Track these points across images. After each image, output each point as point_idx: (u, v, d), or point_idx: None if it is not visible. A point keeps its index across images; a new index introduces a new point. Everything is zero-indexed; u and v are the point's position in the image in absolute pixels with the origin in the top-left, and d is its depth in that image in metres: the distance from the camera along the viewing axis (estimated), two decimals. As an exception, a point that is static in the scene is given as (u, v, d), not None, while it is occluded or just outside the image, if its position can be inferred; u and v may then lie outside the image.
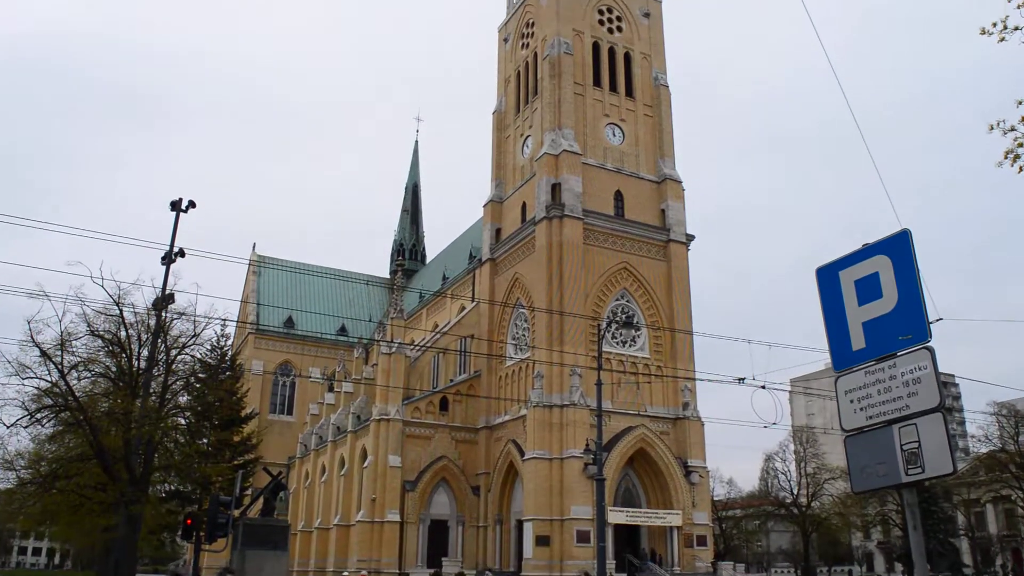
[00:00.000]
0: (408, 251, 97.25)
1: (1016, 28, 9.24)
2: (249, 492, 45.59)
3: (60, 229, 25.02)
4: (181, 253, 26.46)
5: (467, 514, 52.38)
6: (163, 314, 27.22)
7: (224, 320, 34.43)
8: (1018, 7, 9.20)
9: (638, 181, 55.12)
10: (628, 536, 47.68)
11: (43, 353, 25.24)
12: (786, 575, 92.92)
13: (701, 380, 50.39)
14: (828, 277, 7.17)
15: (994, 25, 9.36)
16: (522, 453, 47.74)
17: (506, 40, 63.56)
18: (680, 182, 55.91)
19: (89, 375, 28.77)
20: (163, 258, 26.41)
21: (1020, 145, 9.47)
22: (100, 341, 27.84)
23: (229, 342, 60.50)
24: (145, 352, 27.91)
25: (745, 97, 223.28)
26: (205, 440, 41.16)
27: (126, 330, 27.98)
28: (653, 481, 48.85)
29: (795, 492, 77.55)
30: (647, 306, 52.35)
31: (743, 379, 28.14)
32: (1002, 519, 74.99)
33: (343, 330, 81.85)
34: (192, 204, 27.54)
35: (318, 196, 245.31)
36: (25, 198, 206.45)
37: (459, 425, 54.27)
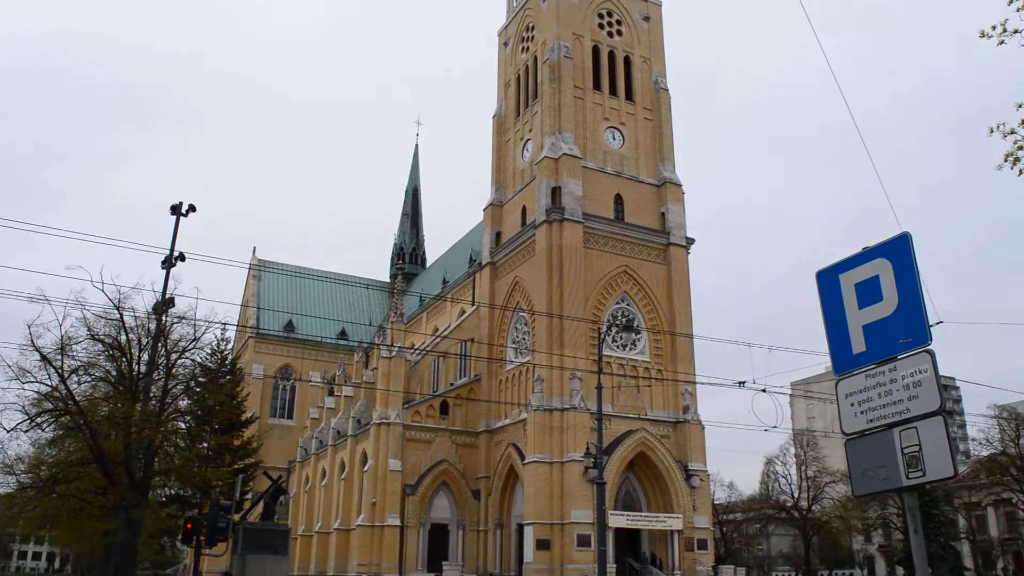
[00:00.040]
0: (408, 255, 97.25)
1: (1016, 31, 9.24)
2: (249, 496, 45.43)
3: (61, 233, 24.98)
4: (181, 257, 26.50)
5: (467, 518, 52.32)
6: (163, 318, 27.24)
7: (224, 324, 34.52)
8: (1017, 10, 9.21)
9: (638, 184, 55.14)
10: (629, 540, 47.61)
11: (43, 357, 25.25)
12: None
13: (701, 383, 50.33)
14: (828, 280, 7.17)
15: (993, 28, 9.37)
16: (522, 457, 47.70)
17: (506, 44, 63.63)
18: (680, 185, 55.94)
19: (89, 379, 28.82)
20: (163, 262, 26.45)
21: (1020, 148, 9.48)
22: (100, 345, 27.88)
23: (229, 346, 60.53)
24: (145, 356, 27.94)
25: (745, 97, 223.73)
26: (205, 444, 41.19)
27: (126, 334, 28.01)
28: (654, 485, 48.80)
29: (796, 495, 77.49)
30: (647, 309, 52.34)
31: (743, 382, 28.14)
32: (1003, 522, 74.92)
33: (343, 334, 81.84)
34: (192, 208, 27.59)
35: (318, 198, 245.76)
36: (25, 199, 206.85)
37: (459, 429, 54.23)
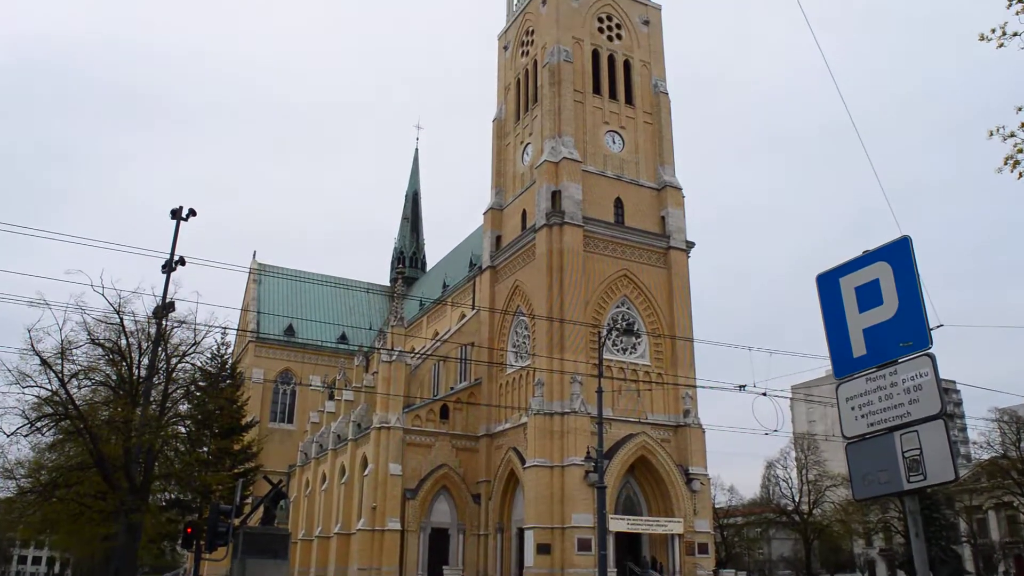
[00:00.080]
0: (408, 259, 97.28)
1: (1015, 34, 9.24)
2: (249, 501, 45.48)
3: (61, 238, 24.95)
4: (182, 261, 26.53)
5: (468, 522, 52.28)
6: (163, 322, 27.25)
7: (224, 328, 34.43)
8: (1017, 13, 9.21)
9: (638, 188, 55.17)
10: (629, 544, 47.57)
11: (43, 362, 25.27)
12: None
13: (702, 387, 50.42)
14: (828, 284, 7.18)
15: (992, 31, 9.37)
16: (523, 461, 47.66)
17: (506, 48, 63.71)
18: (680, 189, 55.96)
19: (89, 383, 28.81)
20: (164, 266, 26.47)
21: (1020, 151, 9.47)
22: (100, 349, 27.88)
23: (229, 350, 60.49)
24: (145, 360, 27.95)
25: (745, 98, 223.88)
26: (205, 448, 41.19)
27: (126, 338, 28.03)
28: (654, 489, 48.75)
29: (797, 499, 77.37)
30: (647, 313, 52.34)
31: (744, 386, 28.15)
32: (1004, 526, 74.84)
33: (343, 338, 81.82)
34: (192, 212, 27.62)
35: (318, 201, 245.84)
36: (25, 200, 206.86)
37: (460, 433, 54.20)
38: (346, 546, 54.52)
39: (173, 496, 40.05)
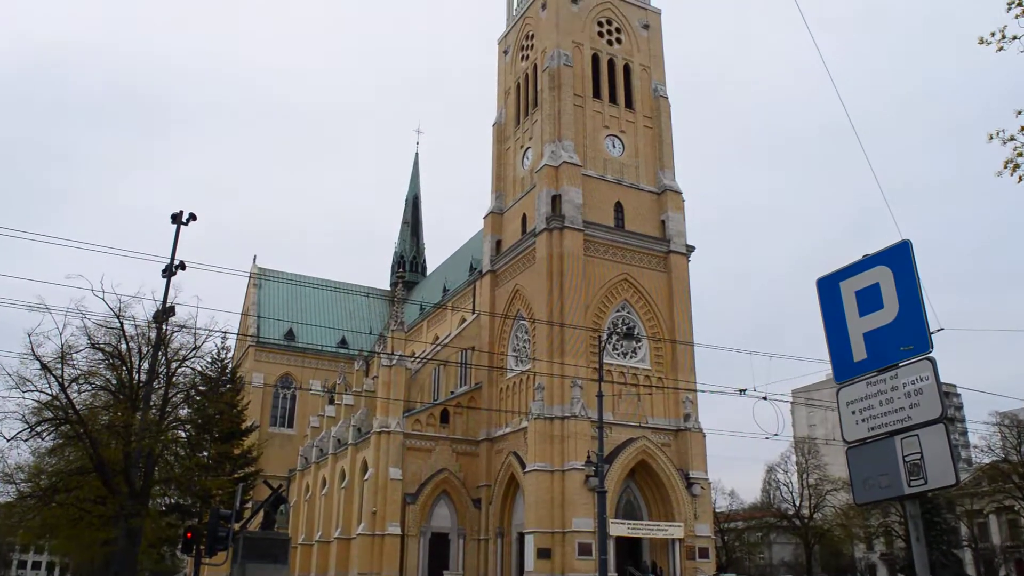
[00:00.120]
0: (408, 263, 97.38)
1: (1015, 37, 9.25)
2: (249, 505, 45.52)
3: (61, 242, 25.02)
4: (182, 266, 26.56)
5: (468, 527, 52.23)
6: (164, 327, 27.24)
7: (225, 333, 34.49)
8: (1016, 17, 9.21)
9: (638, 192, 55.20)
10: (630, 548, 47.52)
11: (43, 366, 25.24)
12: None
13: (702, 391, 50.44)
14: (829, 288, 7.19)
15: (992, 34, 9.37)
16: (523, 465, 47.63)
17: (506, 52, 63.80)
18: (680, 193, 55.99)
19: (89, 388, 28.78)
20: (164, 271, 26.49)
21: (1020, 155, 9.47)
22: (101, 354, 27.86)
23: (230, 355, 60.55)
24: (145, 365, 27.92)
25: (744, 99, 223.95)
26: (205, 453, 41.11)
27: (127, 343, 28.01)
28: (655, 493, 48.71)
29: (797, 503, 77.28)
30: (648, 317, 52.34)
31: (744, 390, 28.13)
32: (1005, 530, 74.72)
33: (344, 342, 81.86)
34: (193, 217, 27.65)
35: (318, 205, 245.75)
36: (25, 203, 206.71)
37: (460, 437, 54.17)
38: (346, 551, 54.46)
39: (173, 501, 39.98)
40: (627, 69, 58.70)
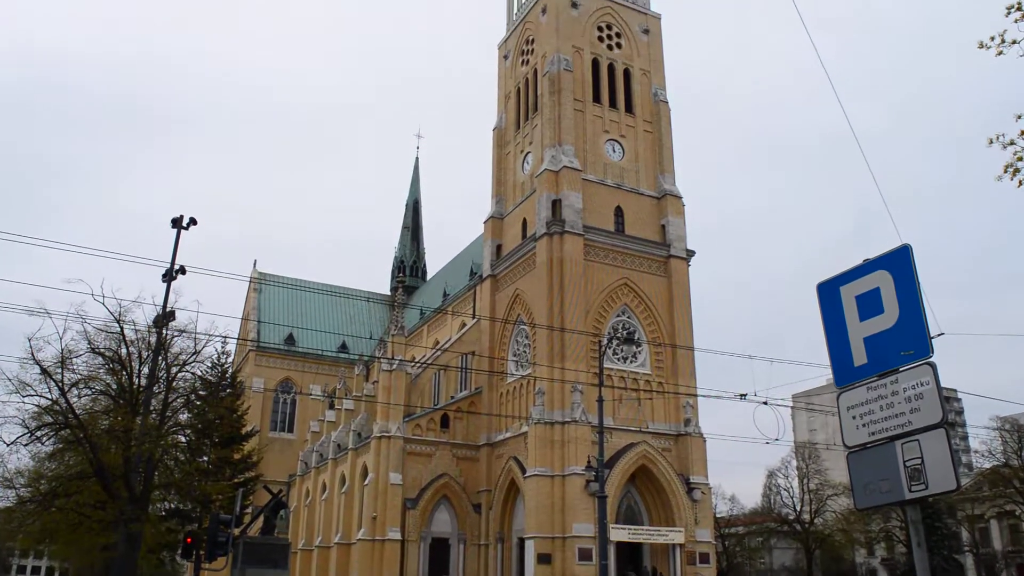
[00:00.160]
0: (409, 268, 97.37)
1: (1014, 42, 9.25)
2: (249, 510, 45.38)
3: (61, 247, 25.06)
4: (182, 270, 26.57)
5: (468, 532, 52.16)
6: (164, 331, 27.25)
7: (225, 337, 34.50)
8: (1015, 21, 9.22)
9: (638, 197, 55.22)
10: (630, 554, 47.43)
11: (44, 371, 25.24)
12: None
13: (703, 396, 50.38)
14: (829, 292, 7.18)
15: (992, 39, 9.37)
16: (523, 470, 47.58)
17: (506, 57, 63.88)
18: (680, 197, 56.01)
19: (89, 392, 28.82)
20: (164, 275, 26.51)
21: (1020, 159, 9.47)
22: (101, 359, 27.88)
23: (230, 359, 60.53)
24: (146, 369, 27.94)
25: (745, 104, 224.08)
26: (205, 458, 41.13)
27: (127, 347, 28.01)
28: (655, 498, 48.64)
29: (798, 509, 77.20)
30: (648, 322, 52.32)
31: (744, 395, 28.14)
32: (1007, 535, 74.63)
33: (344, 347, 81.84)
34: (193, 221, 27.68)
35: (318, 210, 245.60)
36: (25, 208, 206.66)
37: (460, 442, 54.11)
38: (346, 556, 54.37)
39: (173, 506, 39.99)
40: (627, 74, 58.77)
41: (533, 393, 48.78)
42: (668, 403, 50.58)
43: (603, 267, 51.72)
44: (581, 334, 47.10)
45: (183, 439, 34.05)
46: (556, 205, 51.48)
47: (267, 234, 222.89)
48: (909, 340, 6.43)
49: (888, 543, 78.27)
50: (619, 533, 45.12)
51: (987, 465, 68.71)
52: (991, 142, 9.54)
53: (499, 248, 57.86)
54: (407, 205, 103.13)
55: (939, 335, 7.17)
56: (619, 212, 54.03)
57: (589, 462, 39.50)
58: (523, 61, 61.14)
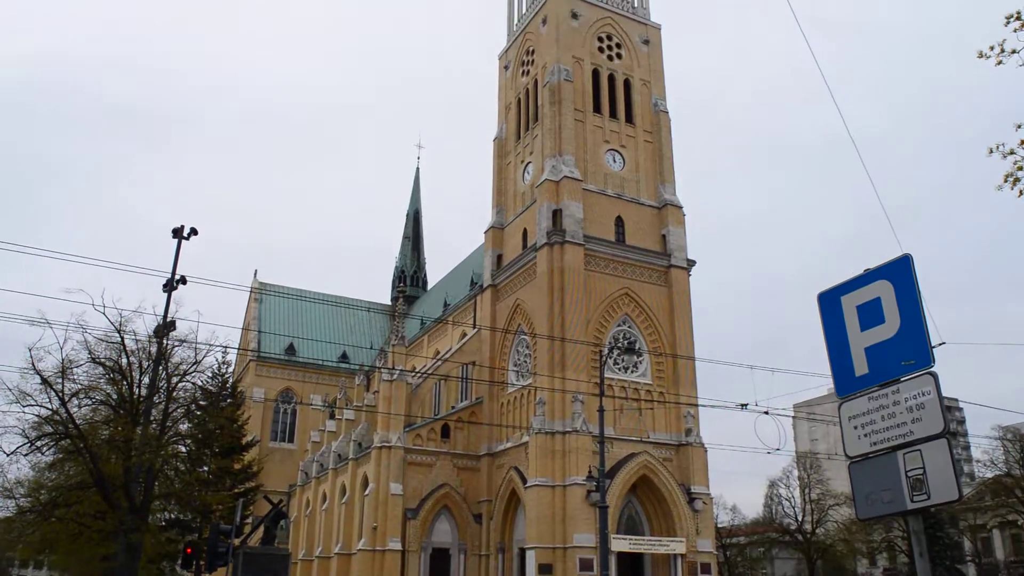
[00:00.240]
0: (409, 277, 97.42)
1: (1013, 51, 9.28)
2: (249, 520, 45.34)
3: (62, 257, 25.08)
4: (183, 280, 26.61)
5: (469, 542, 52.02)
6: (164, 341, 27.25)
7: (225, 347, 34.46)
8: (1015, 31, 9.25)
9: (639, 207, 55.29)
10: (631, 564, 47.27)
11: (44, 380, 25.22)
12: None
13: (704, 406, 50.30)
14: (830, 302, 7.19)
15: (991, 48, 9.41)
16: (524, 480, 47.49)
17: (506, 67, 64.07)
18: (681, 207, 56.08)
19: (90, 402, 28.74)
20: (165, 285, 26.55)
21: (1020, 168, 9.49)
22: (101, 368, 27.84)
23: (230, 369, 60.48)
24: (146, 379, 27.92)
25: (744, 112, 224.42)
26: (206, 468, 41.06)
27: (127, 357, 27.99)
28: (656, 508, 48.54)
29: (800, 518, 76.98)
30: (649, 332, 52.31)
31: (745, 405, 28.10)
32: (1009, 544, 74.43)
33: (344, 357, 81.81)
34: (194, 231, 27.74)
35: (319, 220, 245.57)
36: (24, 218, 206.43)
37: (461, 452, 54.02)
38: (347, 566, 54.22)
39: (173, 516, 39.91)
40: (627, 84, 58.92)
41: (534, 403, 48.73)
42: (669, 413, 50.52)
43: (604, 277, 51.73)
44: (582, 344, 47.09)
45: (183, 449, 34.01)
46: (557, 215, 51.54)
47: (267, 237, 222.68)
48: (910, 350, 6.43)
49: (890, 553, 78.03)
50: (620, 543, 44.99)
51: (989, 475, 68.54)
52: (991, 151, 9.57)
53: (500, 258, 57.91)
54: (408, 215, 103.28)
55: (940, 344, 7.17)
56: (620, 222, 54.08)
57: (590, 472, 39.43)
58: (523, 71, 61.31)
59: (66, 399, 25.67)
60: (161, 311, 26.61)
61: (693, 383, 51.44)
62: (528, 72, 60.51)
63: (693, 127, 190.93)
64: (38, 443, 26.42)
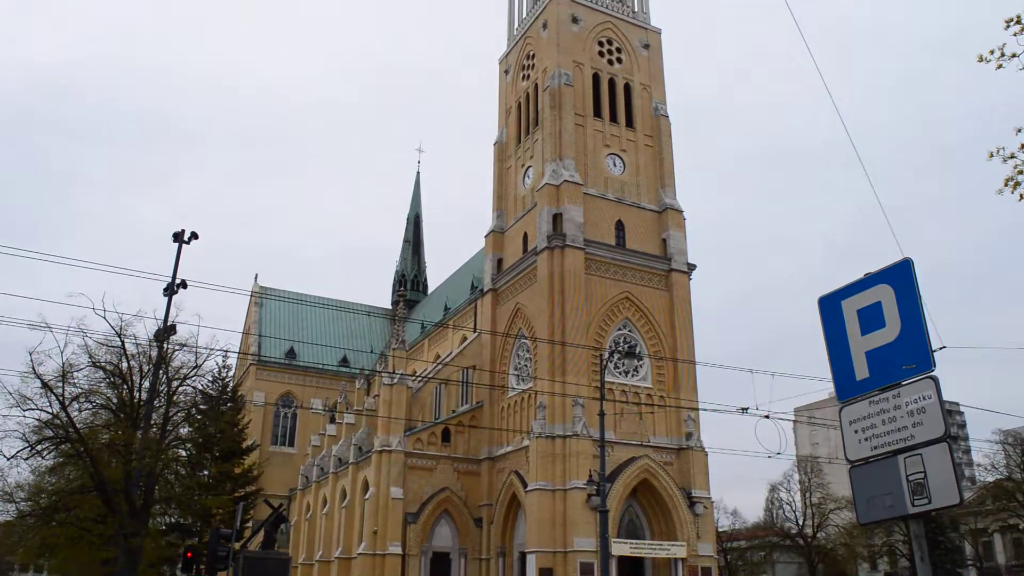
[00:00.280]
0: (410, 281, 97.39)
1: (1014, 55, 9.29)
2: (250, 524, 45.27)
3: (62, 261, 25.07)
4: (183, 284, 26.62)
5: (469, 546, 51.97)
6: (165, 345, 27.26)
7: (226, 351, 34.40)
8: (1015, 35, 9.26)
9: (639, 211, 55.32)
10: (632, 568, 47.21)
11: (44, 384, 25.24)
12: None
13: (704, 410, 50.26)
14: (830, 306, 7.19)
15: (991, 52, 9.41)
16: (525, 484, 47.46)
17: (507, 72, 64.15)
18: (681, 211, 56.11)
19: (90, 406, 28.77)
20: (165, 289, 26.56)
21: (1020, 172, 9.49)
22: (102, 372, 27.87)
23: (230, 373, 60.46)
24: (146, 383, 27.94)
25: (744, 116, 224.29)
26: (206, 472, 41.11)
27: (128, 361, 28.01)
28: (657, 512, 48.50)
29: (800, 523, 76.94)
30: (649, 336, 52.32)
31: (746, 409, 28.09)
32: (1010, 548, 74.29)
33: (345, 361, 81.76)
34: (195, 235, 27.75)
35: (319, 224, 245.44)
36: (25, 216, 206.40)
37: (461, 456, 54.00)
38: (347, 570, 54.17)
39: (173, 520, 39.93)
40: (628, 88, 59.00)
41: (534, 407, 48.72)
42: (670, 417, 50.50)
43: (604, 281, 51.74)
44: (582, 348, 47.08)
45: (184, 453, 34.05)
46: (557, 219, 51.58)
47: (268, 241, 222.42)
48: (911, 354, 6.43)
49: (891, 557, 77.89)
50: (621, 548, 44.93)
51: (990, 479, 68.46)
52: (991, 156, 9.56)
53: (500, 262, 57.93)
54: (408, 219, 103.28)
55: (940, 348, 7.17)
56: (620, 226, 54.11)
57: (591, 476, 39.39)
58: (524, 76, 61.39)
59: (66, 403, 25.69)
60: (162, 315, 26.66)
61: (694, 387, 51.44)
62: (528, 76, 60.59)
63: (694, 133, 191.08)
64: (38, 447, 26.45)
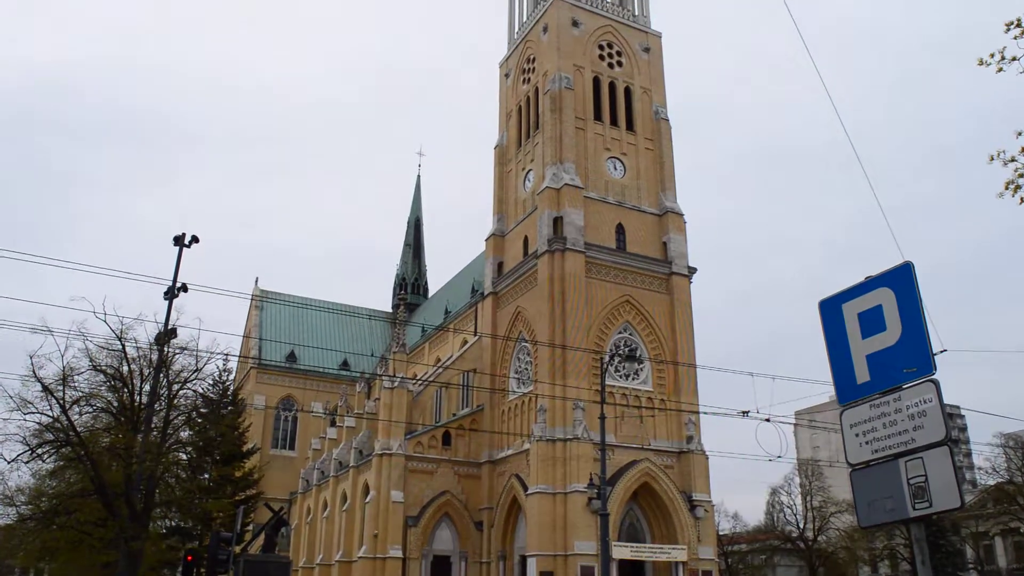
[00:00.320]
0: (410, 285, 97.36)
1: (1014, 58, 9.30)
2: (250, 528, 45.33)
3: (63, 264, 25.10)
4: (184, 288, 26.63)
5: (470, 550, 51.94)
6: (165, 349, 27.27)
7: (226, 355, 34.39)
8: (1015, 38, 9.27)
9: (640, 214, 55.34)
10: (633, 572, 47.16)
11: (45, 388, 25.26)
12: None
13: (705, 413, 50.21)
14: (831, 310, 7.19)
15: (992, 56, 9.42)
16: (525, 488, 47.44)
17: (507, 75, 64.20)
18: (682, 215, 56.12)
19: (91, 410, 28.78)
20: (166, 293, 26.58)
21: (1021, 175, 9.50)
22: (102, 376, 27.89)
23: (231, 377, 60.43)
24: (147, 387, 27.95)
25: (744, 119, 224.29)
26: (206, 475, 41.08)
27: (128, 365, 28.04)
28: (657, 515, 48.47)
29: (801, 526, 76.85)
30: (650, 339, 52.30)
31: (747, 412, 28.08)
32: (1011, 552, 74.20)
33: (345, 364, 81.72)
34: (195, 239, 27.76)
35: (319, 228, 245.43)
36: (25, 217, 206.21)
37: (462, 460, 53.98)
38: (347, 574, 54.11)
39: (174, 523, 39.90)
40: (628, 92, 59.04)
41: (535, 410, 48.71)
42: (670, 420, 50.47)
43: (604, 284, 51.75)
44: (583, 351, 47.09)
45: (184, 456, 34.06)
46: (557, 222, 51.60)
47: (268, 244, 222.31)
48: (912, 357, 6.43)
49: (892, 561, 77.80)
50: (621, 551, 44.90)
51: (991, 482, 68.38)
52: (992, 159, 9.58)
53: (500, 265, 57.95)
54: (409, 223, 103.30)
55: (941, 352, 7.18)
56: (620, 229, 54.13)
57: (591, 479, 39.38)
58: (524, 79, 61.45)
59: (67, 406, 25.72)
60: (162, 319, 26.67)
61: (694, 390, 51.43)
62: (529, 80, 60.65)
63: (694, 136, 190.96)
64: (39, 450, 26.45)
